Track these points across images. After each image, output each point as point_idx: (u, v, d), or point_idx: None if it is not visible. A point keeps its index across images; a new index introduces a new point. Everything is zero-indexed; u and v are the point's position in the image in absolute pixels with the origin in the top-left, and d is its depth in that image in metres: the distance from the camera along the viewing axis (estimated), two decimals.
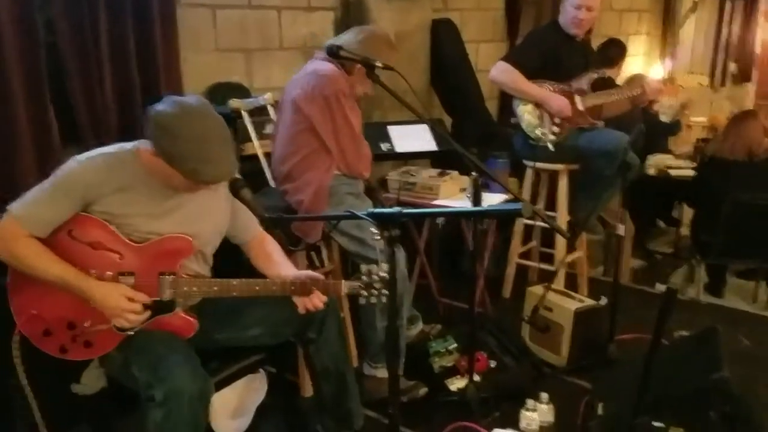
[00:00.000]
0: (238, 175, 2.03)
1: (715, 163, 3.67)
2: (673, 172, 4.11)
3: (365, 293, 1.89)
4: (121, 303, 1.77)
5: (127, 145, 1.87)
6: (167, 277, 1.85)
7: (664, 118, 4.99)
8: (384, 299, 1.88)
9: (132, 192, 1.82)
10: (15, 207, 1.77)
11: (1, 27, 2.31)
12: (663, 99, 4.87)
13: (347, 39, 2.50)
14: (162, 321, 1.87)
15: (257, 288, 1.92)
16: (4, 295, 1.83)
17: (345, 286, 1.93)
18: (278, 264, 2.09)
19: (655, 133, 4.26)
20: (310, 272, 1.98)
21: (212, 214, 1.99)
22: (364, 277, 1.88)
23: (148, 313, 1.83)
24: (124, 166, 1.82)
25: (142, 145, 1.83)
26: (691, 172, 4.00)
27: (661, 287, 1.64)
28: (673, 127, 4.82)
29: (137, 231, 1.83)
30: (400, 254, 2.53)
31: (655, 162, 4.23)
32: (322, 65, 2.47)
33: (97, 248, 1.80)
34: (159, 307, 1.86)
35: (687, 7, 6.79)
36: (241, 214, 2.10)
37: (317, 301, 1.95)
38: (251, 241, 2.15)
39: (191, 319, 1.91)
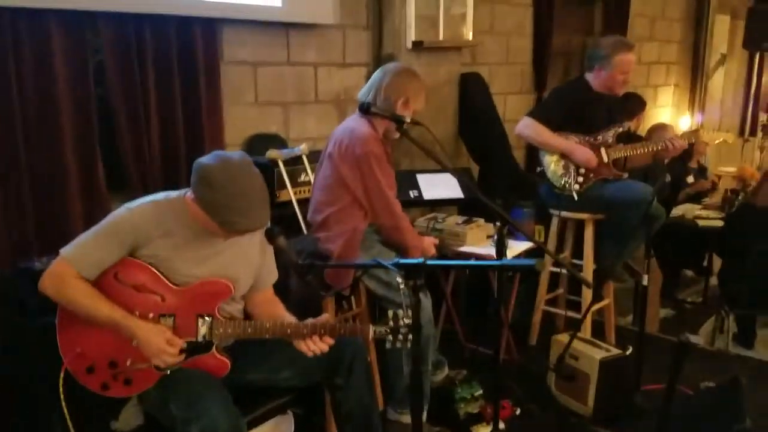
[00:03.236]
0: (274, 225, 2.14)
1: (747, 212, 3.67)
2: (701, 222, 4.12)
3: (391, 338, 1.94)
4: (161, 345, 1.86)
5: (174, 193, 2.00)
6: (205, 318, 1.95)
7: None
8: (409, 344, 1.94)
9: (177, 237, 1.94)
10: (67, 249, 1.89)
11: (57, 79, 2.48)
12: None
13: (374, 83, 2.63)
14: (198, 360, 1.96)
15: (289, 331, 1.99)
16: (53, 333, 1.94)
17: (372, 331, 1.98)
18: (285, 313, 2.16)
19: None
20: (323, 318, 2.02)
21: (248, 261, 2.10)
22: (390, 322, 1.94)
23: (183, 357, 1.92)
24: (171, 212, 1.95)
25: (188, 193, 1.96)
26: (719, 222, 4.00)
27: (689, 337, 1.66)
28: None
29: (179, 273, 1.95)
30: (426, 300, 2.60)
31: (684, 210, 4.25)
32: (359, 125, 2.59)
33: (140, 290, 1.91)
34: (196, 348, 1.95)
35: (716, 59, 6.86)
36: (268, 264, 2.19)
37: (323, 344, 1.97)
38: (263, 291, 2.21)
39: (225, 359, 2.00)
